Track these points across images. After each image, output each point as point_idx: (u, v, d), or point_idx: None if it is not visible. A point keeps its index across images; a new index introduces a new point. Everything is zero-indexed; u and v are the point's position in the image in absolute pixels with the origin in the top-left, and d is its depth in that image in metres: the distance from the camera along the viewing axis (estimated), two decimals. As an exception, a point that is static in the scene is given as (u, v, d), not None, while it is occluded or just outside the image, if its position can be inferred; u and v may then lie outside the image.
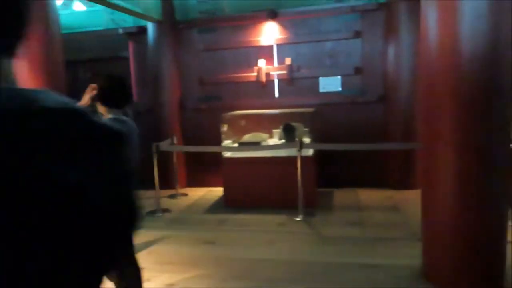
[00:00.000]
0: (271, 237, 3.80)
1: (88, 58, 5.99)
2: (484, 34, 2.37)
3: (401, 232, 3.76)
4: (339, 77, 5.38)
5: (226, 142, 5.20)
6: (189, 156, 5.90)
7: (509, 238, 2.64)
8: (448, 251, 2.62)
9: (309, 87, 5.50)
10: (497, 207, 2.55)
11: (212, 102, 5.78)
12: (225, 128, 5.26)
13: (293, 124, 5.00)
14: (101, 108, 2.16)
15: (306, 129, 5.19)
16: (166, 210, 4.80)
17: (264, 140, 5.14)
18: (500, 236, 2.57)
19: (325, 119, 5.45)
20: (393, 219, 4.15)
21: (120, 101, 2.17)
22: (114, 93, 2.14)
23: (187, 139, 5.87)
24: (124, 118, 2.20)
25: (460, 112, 2.48)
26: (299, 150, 4.23)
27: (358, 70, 5.34)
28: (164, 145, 4.67)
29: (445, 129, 2.55)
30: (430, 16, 2.57)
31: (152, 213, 4.72)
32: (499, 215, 2.56)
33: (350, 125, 5.40)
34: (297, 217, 4.29)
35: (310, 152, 4.69)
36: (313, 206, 4.58)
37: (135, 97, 6.03)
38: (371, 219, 4.19)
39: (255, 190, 4.72)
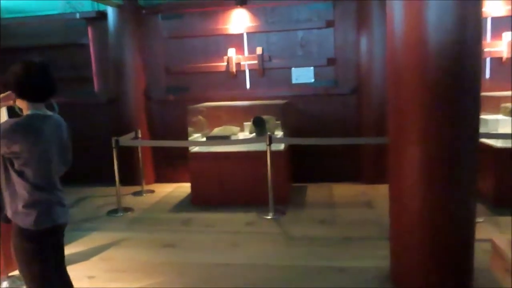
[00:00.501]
0: (237, 239, 3.57)
1: (45, 45, 5.57)
2: (451, 27, 2.22)
3: (372, 230, 3.59)
4: (311, 68, 5.15)
5: (195, 136, 4.93)
6: (156, 150, 5.59)
7: (477, 236, 2.50)
8: (415, 250, 2.47)
9: (281, 78, 5.26)
10: (464, 203, 2.40)
11: (179, 93, 5.47)
12: (194, 121, 4.98)
13: (264, 117, 4.76)
14: (20, 103, 1.86)
15: (278, 122, 4.96)
16: (128, 209, 4.51)
17: (235, 134, 4.89)
18: (468, 233, 2.44)
19: (298, 111, 5.23)
20: (365, 217, 3.98)
21: (41, 93, 1.85)
22: (33, 83, 1.82)
23: (153, 133, 5.56)
24: (48, 113, 1.91)
25: (427, 106, 2.32)
26: (268, 145, 4.00)
27: (331, 61, 5.12)
28: (125, 140, 4.36)
29: (411, 124, 2.40)
30: (396, 8, 2.38)
31: (113, 212, 4.43)
32: (466, 212, 2.41)
33: (323, 118, 5.20)
34: (267, 215, 4.08)
35: (281, 146, 4.47)
36: (284, 203, 4.38)
37: (96, 87, 5.68)
38: (343, 217, 4.01)
39: (224, 187, 4.48)
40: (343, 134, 5.06)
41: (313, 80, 5.19)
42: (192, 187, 4.60)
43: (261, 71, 5.23)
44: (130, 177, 5.20)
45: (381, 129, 4.75)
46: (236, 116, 5.22)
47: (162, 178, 5.68)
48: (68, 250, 3.44)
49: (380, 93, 4.81)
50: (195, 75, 5.42)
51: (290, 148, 4.81)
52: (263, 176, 4.11)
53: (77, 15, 5.35)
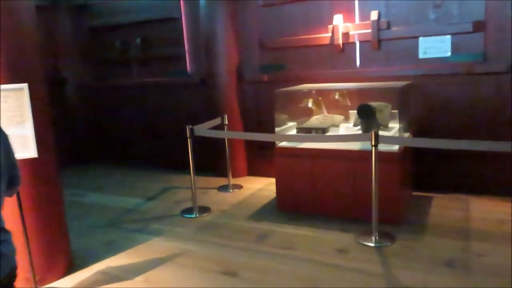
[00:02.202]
0: (319, 274, 2.63)
1: (136, 21, 5.27)
2: None
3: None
4: (448, 36, 3.71)
5: (287, 126, 4.04)
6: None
7: None
8: None
9: (403, 51, 3.95)
10: None
11: (274, 73, 4.60)
12: (295, 106, 4.08)
13: (375, 104, 3.59)
14: None
15: (395, 111, 3.73)
16: (204, 210, 3.90)
17: (335, 126, 3.83)
18: None
19: (425, 96, 3.89)
20: (522, 263, 2.61)
21: None
22: None
23: (246, 118, 4.84)
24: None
25: None
26: (374, 145, 2.89)
27: (478, 26, 3.60)
28: (200, 129, 3.71)
29: None
30: None
31: (188, 212, 3.88)
32: None
33: (465, 107, 3.75)
34: (368, 241, 3.02)
35: (395, 146, 3.29)
36: (395, 222, 3.24)
37: (188, 66, 5.17)
38: (485, 259, 2.70)
39: (317, 192, 3.53)
40: (494, 130, 3.58)
41: (449, 54, 3.75)
42: (277, 189, 3.76)
43: (376, 43, 4.00)
44: (222, 167, 4.61)
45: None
46: (340, 102, 4.15)
47: (255, 170, 4.98)
48: (117, 260, 2.97)
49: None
50: (293, 51, 4.47)
51: (410, 147, 3.57)
52: (368, 183, 3.02)
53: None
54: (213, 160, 4.93)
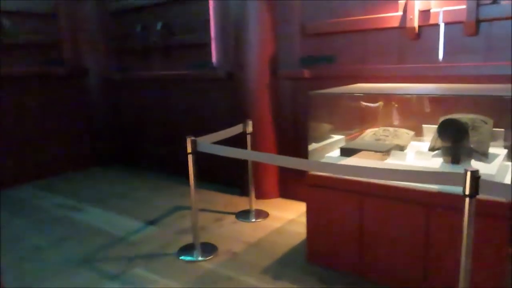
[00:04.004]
0: None
1: (157, 2, 4.37)
2: None
3: None
4: None
5: (332, 140, 2.89)
6: (282, 150, 3.78)
7: None
8: None
9: (515, 38, 2.60)
10: None
11: (320, 67, 3.44)
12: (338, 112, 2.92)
13: (465, 119, 2.33)
14: None
15: (501, 129, 2.43)
16: (208, 249, 2.87)
17: (400, 146, 2.60)
18: None
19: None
20: None
21: None
22: None
23: (278, 125, 3.74)
24: None
25: None
26: (469, 196, 1.65)
27: None
28: (203, 144, 2.66)
29: None
30: None
31: (187, 251, 2.87)
32: None
33: None
34: None
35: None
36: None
37: (214, 57, 4.15)
38: None
39: (363, 246, 2.35)
40: None
41: None
42: (308, 234, 2.62)
43: (472, 26, 2.68)
44: (247, 184, 3.56)
45: None
46: (409, 111, 2.90)
47: (288, 191, 3.87)
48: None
49: None
50: (345, 37, 3.26)
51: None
52: (451, 246, 1.80)
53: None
54: (238, 174, 3.89)
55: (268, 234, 3.13)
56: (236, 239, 3.05)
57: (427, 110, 2.80)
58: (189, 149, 2.69)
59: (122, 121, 5.31)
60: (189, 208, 3.69)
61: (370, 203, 2.30)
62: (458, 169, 2.13)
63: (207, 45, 4.15)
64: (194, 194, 2.77)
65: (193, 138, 2.69)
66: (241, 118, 3.42)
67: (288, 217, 3.44)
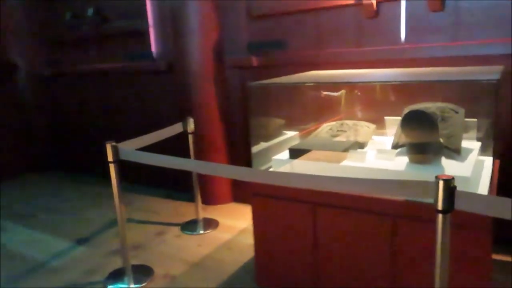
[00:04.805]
0: None
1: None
2: None
3: None
4: None
5: (283, 137, 2.48)
6: (235, 149, 3.35)
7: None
8: None
9: (486, 14, 2.24)
10: None
11: (269, 53, 3.00)
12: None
13: (433, 108, 1.96)
14: None
15: (474, 120, 2.08)
16: (142, 275, 2.41)
17: (360, 144, 2.21)
18: None
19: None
20: None
21: None
22: None
23: (227, 121, 3.30)
24: None
25: None
26: (442, 210, 1.26)
27: None
28: (126, 150, 2.18)
29: None
30: None
31: (116, 278, 2.40)
32: None
33: None
34: None
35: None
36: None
37: (153, 47, 3.65)
38: None
39: (319, 265, 1.95)
40: None
41: None
42: (256, 251, 2.20)
43: (436, 1, 2.31)
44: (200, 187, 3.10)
45: None
46: (370, 101, 2.53)
47: (243, 195, 3.43)
48: None
49: None
50: (296, 19, 2.84)
51: None
52: (423, 265, 1.43)
53: None
54: (185, 176, 3.43)
55: (215, 249, 2.70)
56: (178, 258, 2.60)
57: (390, 99, 2.42)
58: (109, 157, 2.21)
59: (58, 121, 4.72)
60: (130, 220, 3.24)
61: (324, 214, 1.90)
62: (427, 171, 1.76)
63: (145, 33, 3.64)
64: (120, 210, 2.29)
65: (113, 143, 2.20)
66: (185, 115, 2.96)
67: (240, 226, 3.02)
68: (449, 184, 1.25)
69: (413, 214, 1.67)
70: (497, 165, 1.99)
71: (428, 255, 1.50)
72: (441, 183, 1.26)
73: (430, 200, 1.31)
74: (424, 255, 1.67)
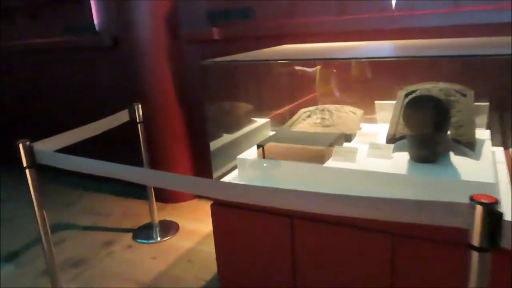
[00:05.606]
0: None
1: None
2: None
3: None
4: None
5: (243, 131, 2.03)
6: (197, 141, 2.87)
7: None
8: None
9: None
10: None
11: (232, 24, 2.51)
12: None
13: (439, 88, 1.55)
14: None
15: (486, 104, 1.70)
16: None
17: (347, 136, 1.79)
18: None
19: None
20: None
21: None
22: None
23: (185, 106, 2.80)
24: None
25: None
26: (479, 246, 0.86)
27: None
28: (44, 153, 1.67)
29: None
30: None
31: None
32: None
33: None
34: None
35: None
36: None
37: (95, 19, 3.06)
38: None
39: (297, 268, 1.56)
40: None
41: None
42: (220, 271, 1.77)
43: (436, -46, 1.88)
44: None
45: None
46: (356, 81, 2.10)
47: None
48: None
49: None
50: (265, -20, 2.35)
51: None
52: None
53: None
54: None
55: (173, 263, 2.25)
56: (126, 278, 2.14)
57: (379, 79, 2.00)
58: (24, 162, 1.69)
59: (-8, 108, 4.07)
60: (74, 227, 2.73)
61: (302, 229, 1.49)
62: (437, 173, 1.35)
63: (85, 0, 3.04)
64: (44, 231, 1.79)
65: (27, 143, 1.68)
66: (133, 99, 2.45)
67: (204, 230, 2.58)
68: (492, 210, 0.84)
69: (417, 235, 1.27)
70: (509, 156, 1.63)
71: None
72: (478, 208, 0.84)
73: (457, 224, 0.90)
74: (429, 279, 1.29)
